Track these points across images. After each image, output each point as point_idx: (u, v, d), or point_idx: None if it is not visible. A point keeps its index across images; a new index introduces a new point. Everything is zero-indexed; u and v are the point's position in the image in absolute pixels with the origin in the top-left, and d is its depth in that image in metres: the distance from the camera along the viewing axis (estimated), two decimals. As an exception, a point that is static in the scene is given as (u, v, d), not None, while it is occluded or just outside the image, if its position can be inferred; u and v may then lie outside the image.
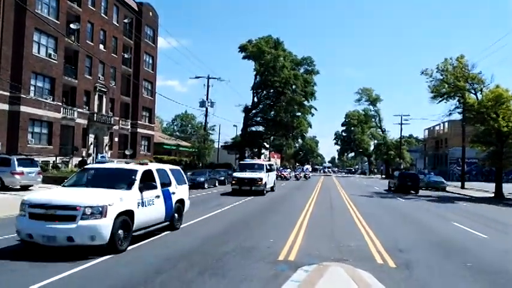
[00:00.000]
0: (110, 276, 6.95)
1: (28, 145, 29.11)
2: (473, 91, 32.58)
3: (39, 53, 30.09)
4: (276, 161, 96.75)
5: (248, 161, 32.42)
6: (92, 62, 36.83)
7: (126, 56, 43.03)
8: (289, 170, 64.91)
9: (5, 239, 9.27)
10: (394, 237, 11.73)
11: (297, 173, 56.08)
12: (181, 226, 11.79)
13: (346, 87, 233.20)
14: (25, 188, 20.90)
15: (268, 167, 26.81)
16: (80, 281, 6.62)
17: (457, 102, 33.79)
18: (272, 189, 28.10)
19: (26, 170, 20.55)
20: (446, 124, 68.23)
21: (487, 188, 38.63)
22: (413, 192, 33.13)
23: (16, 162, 19.97)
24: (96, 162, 15.34)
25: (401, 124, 71.50)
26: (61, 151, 32.82)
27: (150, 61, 48.23)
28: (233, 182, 25.19)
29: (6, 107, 27.87)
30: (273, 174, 29.57)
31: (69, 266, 7.20)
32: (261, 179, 24.37)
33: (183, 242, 9.99)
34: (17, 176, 20.03)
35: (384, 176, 79.25)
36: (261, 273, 7.39)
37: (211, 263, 7.96)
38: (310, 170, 75.37)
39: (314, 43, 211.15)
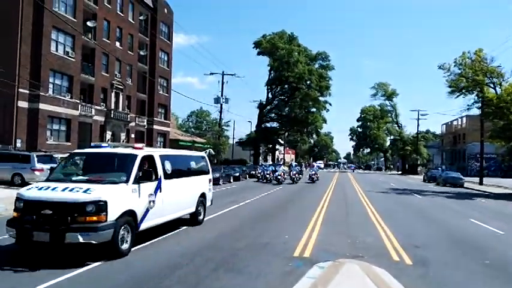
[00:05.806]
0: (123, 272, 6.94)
1: (47, 142, 29.69)
2: (492, 85, 31.97)
3: (57, 51, 30.60)
4: (291, 157, 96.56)
5: (98, 147, 10.01)
6: (108, 59, 37.27)
7: (141, 53, 43.45)
8: (282, 168, 39.08)
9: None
10: (411, 234, 11.63)
11: (293, 172, 35.45)
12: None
13: (361, 83, 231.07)
14: (45, 183, 21.32)
15: (154, 164, 9.27)
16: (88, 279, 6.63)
17: (476, 97, 33.20)
18: (197, 220, 11.75)
19: (45, 166, 20.97)
20: (464, 119, 67.05)
21: (506, 184, 37.87)
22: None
23: (36, 159, 20.39)
24: None
25: (418, 119, 70.77)
26: (79, 147, 33.35)
27: (166, 58, 48.60)
28: (15, 214, 7.63)
29: (25, 104, 28.44)
30: (195, 182, 11.84)
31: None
32: (101, 206, 7.26)
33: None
34: (36, 173, 20.42)
35: (400, 172, 78.37)
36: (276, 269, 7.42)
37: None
38: (322, 166, 69.44)
39: (329, 38, 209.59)
